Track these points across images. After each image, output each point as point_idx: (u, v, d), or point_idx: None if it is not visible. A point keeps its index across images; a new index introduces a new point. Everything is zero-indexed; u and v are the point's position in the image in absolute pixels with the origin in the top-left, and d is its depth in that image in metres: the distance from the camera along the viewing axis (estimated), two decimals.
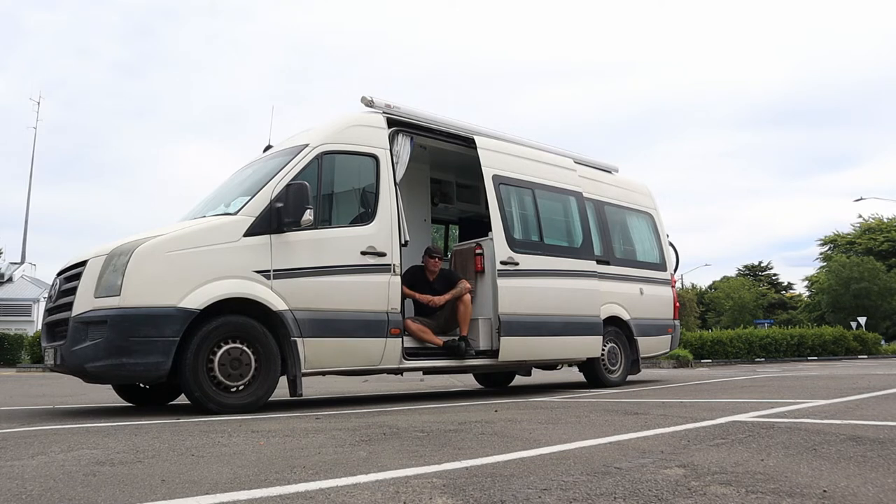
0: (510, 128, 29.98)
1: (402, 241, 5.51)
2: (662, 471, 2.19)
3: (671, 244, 8.65)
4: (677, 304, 8.52)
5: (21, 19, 72.08)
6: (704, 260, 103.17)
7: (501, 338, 6.08)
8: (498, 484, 2.02)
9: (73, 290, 4.55)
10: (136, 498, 1.90)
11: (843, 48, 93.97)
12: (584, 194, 7.37)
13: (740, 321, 38.67)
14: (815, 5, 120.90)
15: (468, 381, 9.37)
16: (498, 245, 6.20)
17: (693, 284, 56.05)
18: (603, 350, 7.21)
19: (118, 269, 4.37)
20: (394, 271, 5.39)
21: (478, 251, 6.43)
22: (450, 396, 6.59)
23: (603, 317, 7.12)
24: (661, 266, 8.34)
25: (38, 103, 37.17)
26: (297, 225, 4.84)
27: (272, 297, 4.73)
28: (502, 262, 6.19)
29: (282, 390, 5.00)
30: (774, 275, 62.72)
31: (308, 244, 4.98)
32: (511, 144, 6.87)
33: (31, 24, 73.67)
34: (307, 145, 5.29)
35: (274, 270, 4.78)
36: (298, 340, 4.80)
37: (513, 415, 4.25)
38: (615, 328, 7.43)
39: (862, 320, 30.42)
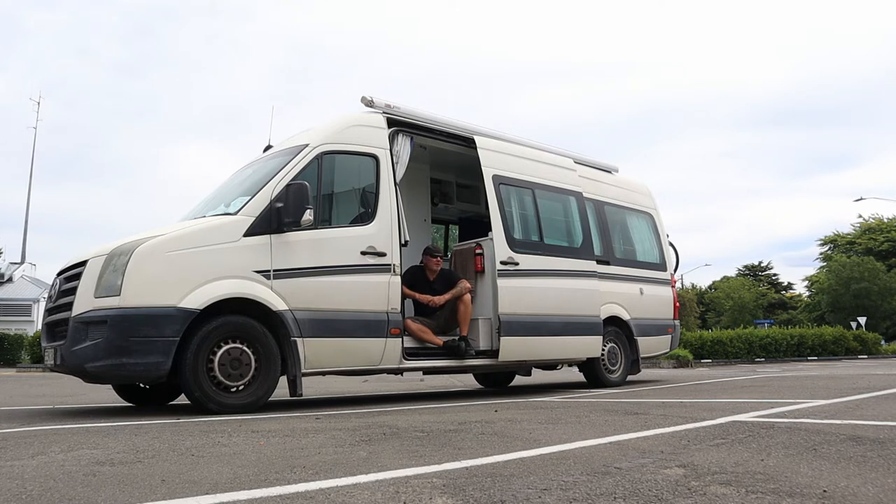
0: (510, 128, 29.99)
1: (402, 241, 5.51)
2: (662, 471, 2.19)
3: (671, 244, 8.65)
4: (677, 304, 8.52)
5: (21, 19, 72.17)
6: (704, 260, 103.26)
7: (501, 338, 6.07)
8: (498, 484, 2.02)
9: (73, 290, 4.55)
10: (136, 498, 1.90)
11: (843, 48, 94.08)
12: (584, 194, 7.37)
13: (740, 321, 38.65)
14: (815, 5, 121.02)
15: (468, 381, 9.37)
16: (498, 245, 6.20)
17: (693, 284, 56.12)
18: (603, 350, 7.20)
19: (118, 269, 4.37)
20: (394, 271, 5.39)
21: (478, 251, 6.43)
22: (450, 396, 6.59)
23: (603, 317, 7.12)
24: (661, 266, 8.34)
25: (38, 103, 37.18)
26: (297, 225, 4.84)
27: (272, 297, 4.73)
28: (502, 262, 6.18)
29: (282, 390, 5.00)
30: (774, 275, 62.78)
31: (308, 244, 4.98)
32: (511, 144, 6.87)
33: (31, 24, 73.77)
34: (307, 145, 5.29)
35: (274, 270, 4.78)
36: (298, 340, 4.79)
37: (513, 415, 4.25)
38: (615, 328, 7.43)
39: (862, 320, 30.41)
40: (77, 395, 7.10)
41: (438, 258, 6.34)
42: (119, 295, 4.30)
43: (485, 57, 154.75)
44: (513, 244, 6.33)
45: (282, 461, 2.50)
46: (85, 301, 4.43)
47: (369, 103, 5.85)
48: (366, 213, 5.44)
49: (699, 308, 49.30)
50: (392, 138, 5.75)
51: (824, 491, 1.87)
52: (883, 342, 29.11)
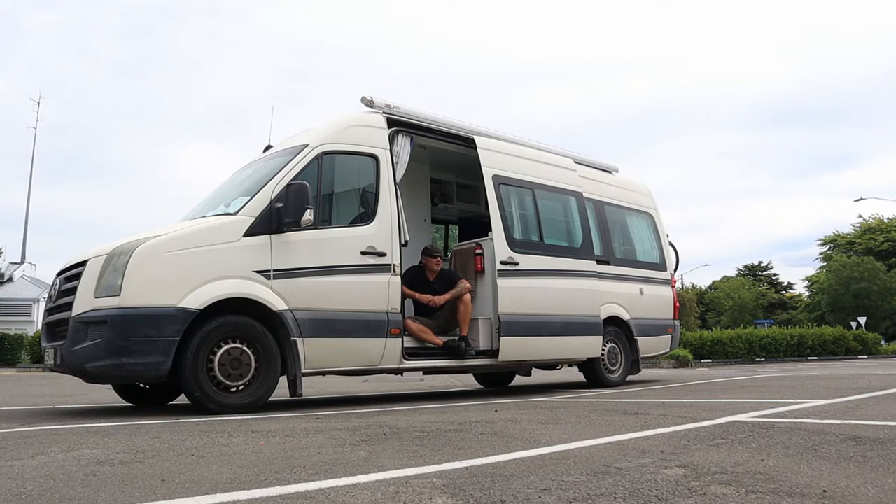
0: (510, 128, 30.00)
1: (402, 241, 5.51)
2: (662, 471, 2.19)
3: (671, 244, 8.65)
4: (677, 304, 8.52)
5: (21, 19, 72.20)
6: (704, 260, 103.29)
7: (501, 338, 6.07)
8: (498, 484, 2.02)
9: (73, 290, 4.55)
10: (136, 498, 1.90)
11: (843, 48, 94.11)
12: (584, 194, 7.37)
13: (740, 321, 38.65)
14: (815, 5, 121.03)
15: (468, 381, 9.37)
16: (498, 245, 6.20)
17: (693, 284, 56.13)
18: (603, 350, 7.20)
19: (118, 269, 4.37)
20: (394, 271, 5.39)
21: (478, 251, 6.43)
22: (450, 396, 6.59)
23: (603, 317, 7.12)
24: (661, 266, 8.34)
25: (38, 103, 37.21)
26: (297, 225, 4.84)
27: (272, 297, 4.73)
28: (502, 262, 6.18)
29: (282, 390, 5.00)
30: (774, 275, 62.79)
31: (308, 244, 4.98)
32: (511, 144, 6.87)
33: (31, 24, 73.81)
34: (307, 145, 5.29)
35: (274, 270, 4.78)
36: (298, 340, 4.79)
37: (513, 415, 4.25)
38: (615, 328, 7.43)
39: (862, 320, 30.41)
40: (77, 395, 7.10)
41: (438, 258, 6.34)
42: (119, 295, 4.30)
43: (485, 57, 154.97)
44: (513, 244, 6.33)
45: (282, 461, 2.50)
46: (85, 301, 4.43)
47: (369, 103, 5.85)
48: (366, 213, 5.44)
49: (699, 308, 49.31)
50: (392, 138, 5.75)
51: (824, 491, 1.87)
52: (883, 342, 29.11)
